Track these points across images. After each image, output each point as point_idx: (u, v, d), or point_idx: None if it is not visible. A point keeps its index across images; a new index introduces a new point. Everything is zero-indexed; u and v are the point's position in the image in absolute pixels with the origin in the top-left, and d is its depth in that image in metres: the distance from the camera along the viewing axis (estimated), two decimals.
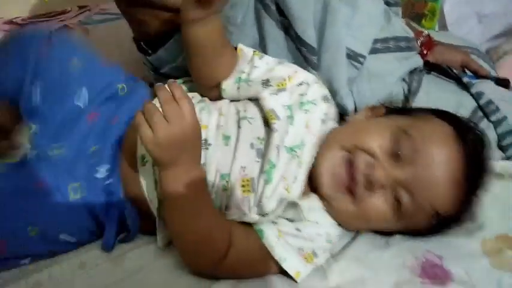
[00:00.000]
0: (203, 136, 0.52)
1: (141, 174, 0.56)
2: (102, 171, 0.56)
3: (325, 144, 0.56)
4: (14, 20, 1.10)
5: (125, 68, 0.98)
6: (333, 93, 0.64)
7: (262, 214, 0.53)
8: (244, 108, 0.58)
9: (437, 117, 0.56)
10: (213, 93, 0.61)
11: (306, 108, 0.57)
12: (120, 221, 0.56)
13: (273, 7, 0.64)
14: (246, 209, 0.53)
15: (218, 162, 0.54)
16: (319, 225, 0.54)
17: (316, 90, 0.60)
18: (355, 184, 0.52)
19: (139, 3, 0.68)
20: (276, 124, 0.54)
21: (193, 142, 0.49)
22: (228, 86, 0.59)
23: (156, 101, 0.48)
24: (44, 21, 1.09)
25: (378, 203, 0.52)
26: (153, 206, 0.55)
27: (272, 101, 0.55)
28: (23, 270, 0.53)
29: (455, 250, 0.54)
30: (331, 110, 0.62)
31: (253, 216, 0.53)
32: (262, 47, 0.66)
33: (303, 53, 0.64)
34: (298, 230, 0.53)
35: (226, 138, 0.55)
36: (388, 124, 0.55)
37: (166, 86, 0.49)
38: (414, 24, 0.95)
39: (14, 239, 0.52)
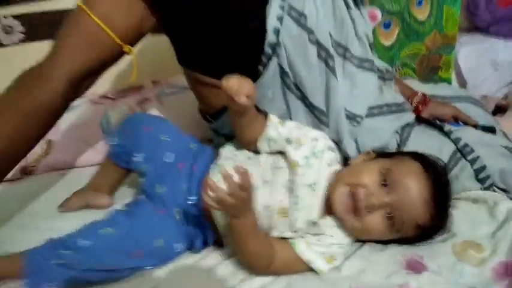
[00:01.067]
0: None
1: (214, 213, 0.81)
2: (191, 200, 0.84)
3: (334, 182, 0.79)
4: (105, 95, 1.42)
5: (191, 128, 1.26)
6: (339, 143, 0.88)
7: (294, 231, 0.78)
8: (276, 160, 0.83)
9: (410, 158, 0.79)
10: (252, 147, 0.84)
11: (318, 156, 0.81)
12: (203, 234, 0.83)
13: (292, 85, 0.89)
14: (283, 229, 0.78)
15: (261, 198, 0.77)
16: (333, 237, 0.77)
17: (322, 142, 0.83)
18: (358, 209, 0.73)
19: (205, 83, 0.95)
20: (298, 170, 0.79)
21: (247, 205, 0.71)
22: (262, 144, 0.83)
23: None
24: (129, 96, 1.40)
25: (376, 220, 0.74)
26: (220, 229, 0.82)
27: (294, 154, 0.80)
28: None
29: (432, 252, 0.76)
30: (335, 157, 0.85)
31: (288, 234, 0.78)
32: (288, 113, 0.91)
33: (316, 115, 0.89)
34: (319, 241, 0.76)
35: (265, 182, 0.80)
36: (376, 165, 0.78)
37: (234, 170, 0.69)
38: (409, 86, 1.17)
39: (147, 248, 0.77)
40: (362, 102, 0.91)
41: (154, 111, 1.30)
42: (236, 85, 0.71)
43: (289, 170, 0.80)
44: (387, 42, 1.49)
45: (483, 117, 1.11)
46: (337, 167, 0.84)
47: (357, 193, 0.74)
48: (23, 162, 1.12)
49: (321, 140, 0.84)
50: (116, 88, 1.47)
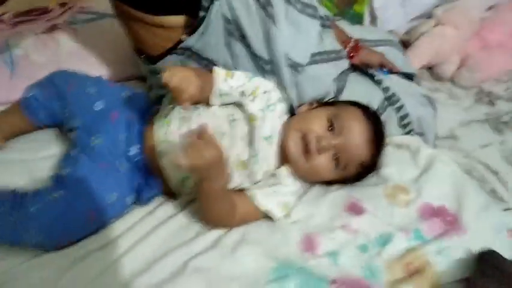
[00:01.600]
0: None
1: (161, 163, 0.81)
2: (132, 150, 0.81)
3: (285, 130, 0.84)
4: (1, 18, 1.20)
5: (114, 63, 1.15)
6: (282, 91, 0.90)
7: (254, 183, 0.81)
8: (232, 112, 0.83)
9: (352, 105, 0.87)
10: (203, 102, 0.83)
11: (271, 108, 0.84)
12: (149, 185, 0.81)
13: (236, 33, 0.86)
14: (241, 181, 0.81)
15: None
16: (288, 186, 0.82)
17: (274, 95, 0.86)
18: (310, 150, 0.80)
19: (140, 20, 0.86)
20: (256, 123, 0.80)
21: (217, 165, 0.71)
22: (214, 100, 0.83)
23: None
24: (32, 20, 1.19)
25: (324, 161, 0.81)
26: (173, 184, 0.81)
27: (251, 107, 0.82)
28: None
29: (369, 195, 0.85)
30: (285, 108, 0.89)
31: (246, 185, 0.81)
32: (232, 62, 0.89)
33: (260, 64, 0.89)
34: (275, 192, 0.81)
35: (222, 134, 0.80)
36: (323, 112, 0.85)
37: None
38: (343, 25, 1.22)
39: (99, 208, 0.74)
40: (304, 49, 0.91)
41: (66, 41, 1.15)
42: (178, 84, 0.69)
43: (246, 122, 0.82)
44: None
45: (402, 60, 1.20)
46: (286, 118, 0.87)
47: (308, 137, 0.81)
48: None
49: (273, 92, 0.86)
50: (12, 10, 1.25)
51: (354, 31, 1.17)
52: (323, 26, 0.96)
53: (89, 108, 0.84)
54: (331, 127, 0.82)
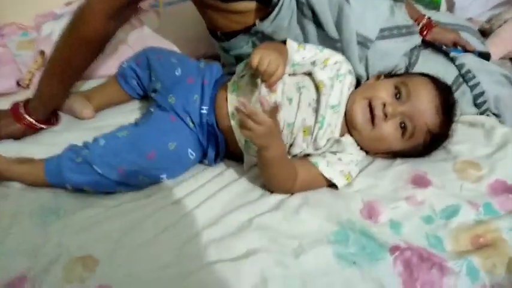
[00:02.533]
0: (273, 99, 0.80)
1: (232, 124, 0.85)
2: (204, 109, 0.86)
3: (352, 98, 0.85)
4: None
5: (193, 43, 1.23)
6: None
7: (317, 149, 0.83)
8: (302, 80, 0.85)
9: (420, 75, 0.86)
10: None
11: (340, 79, 0.85)
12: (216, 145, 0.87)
13: (309, 13, 0.89)
14: (305, 146, 0.83)
15: (284, 116, 0.81)
16: (352, 155, 0.83)
17: (345, 66, 0.86)
18: (375, 116, 0.80)
19: (214, 6, 0.93)
20: (324, 90, 0.82)
21: (276, 135, 0.74)
22: (286, 70, 0.84)
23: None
24: None
25: (390, 128, 0.81)
26: (240, 144, 0.85)
27: (320, 74, 0.83)
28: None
29: (436, 169, 0.83)
30: (354, 81, 0.89)
31: (309, 151, 0.83)
32: (304, 40, 0.91)
33: (332, 43, 0.90)
34: (339, 159, 0.82)
35: (290, 100, 0.83)
36: (390, 81, 0.85)
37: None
38: (419, 8, 1.20)
39: (160, 150, 0.81)
40: (374, 24, 0.91)
41: (151, 24, 1.25)
42: (268, 68, 0.72)
43: (315, 89, 0.84)
44: None
45: (478, 47, 1.14)
46: (354, 89, 0.89)
47: (374, 103, 0.81)
48: (17, 76, 1.09)
49: (344, 63, 0.87)
50: None
51: (428, 14, 1.14)
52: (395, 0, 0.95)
53: (170, 73, 0.93)
54: (398, 94, 0.82)
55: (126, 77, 1.02)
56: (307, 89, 0.84)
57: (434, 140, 0.84)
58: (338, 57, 0.87)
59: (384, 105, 0.81)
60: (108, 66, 1.13)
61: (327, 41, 0.91)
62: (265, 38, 0.94)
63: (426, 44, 1.03)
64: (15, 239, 0.71)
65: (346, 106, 0.85)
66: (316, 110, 0.83)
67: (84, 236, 0.71)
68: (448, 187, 0.80)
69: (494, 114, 0.99)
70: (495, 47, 1.43)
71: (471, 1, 1.68)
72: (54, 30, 1.20)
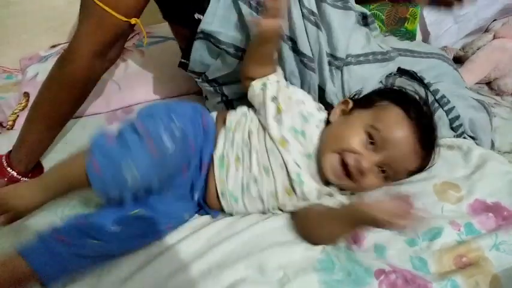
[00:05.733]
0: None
1: (222, 203, 0.82)
2: (196, 195, 0.83)
3: (320, 150, 0.79)
4: None
5: (176, 80, 1.25)
6: (323, 90, 0.94)
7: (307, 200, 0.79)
8: (266, 141, 0.80)
9: (391, 102, 0.80)
10: (246, 84, 0.85)
11: (307, 119, 0.82)
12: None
13: (286, 36, 0.91)
14: (295, 203, 0.80)
15: (267, 187, 0.79)
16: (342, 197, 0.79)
17: (308, 105, 0.84)
18: (352, 173, 0.75)
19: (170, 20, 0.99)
20: (288, 147, 0.79)
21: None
22: (256, 84, 0.83)
23: None
24: None
25: (371, 179, 0.77)
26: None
27: (277, 131, 0.80)
28: None
29: (416, 192, 0.84)
30: (323, 117, 0.85)
31: (301, 204, 0.79)
32: (280, 62, 0.92)
33: (305, 62, 0.92)
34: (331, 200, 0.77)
35: (266, 169, 0.80)
36: (359, 123, 0.78)
37: None
38: (393, 40, 1.24)
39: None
40: (341, 42, 0.94)
41: (134, 63, 1.28)
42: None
43: (279, 149, 0.80)
44: None
45: (451, 74, 1.18)
46: (322, 126, 0.84)
47: (347, 159, 0.75)
48: (1, 118, 1.10)
49: (307, 101, 0.86)
50: None
51: (402, 45, 1.19)
52: (367, 24, 0.99)
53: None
54: (371, 140, 0.76)
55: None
56: (274, 150, 0.80)
57: (417, 172, 0.83)
58: (300, 95, 0.87)
59: (357, 159, 0.75)
60: (94, 105, 1.15)
61: (300, 62, 0.93)
62: (215, 40, 0.92)
63: (401, 71, 1.07)
64: None
65: (318, 154, 0.80)
66: (288, 169, 0.79)
67: None
68: (429, 208, 0.81)
69: (470, 137, 1.02)
70: (471, 72, 1.49)
71: (445, 30, 1.76)
72: (39, 72, 1.23)
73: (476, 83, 1.52)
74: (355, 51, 0.96)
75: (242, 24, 0.91)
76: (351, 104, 0.85)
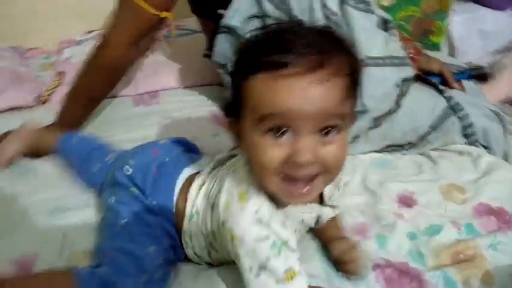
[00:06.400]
0: None
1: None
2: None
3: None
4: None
5: (200, 73, 1.31)
6: None
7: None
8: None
9: (249, 75, 0.52)
10: None
11: None
12: None
13: None
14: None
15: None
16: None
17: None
18: (292, 178, 0.54)
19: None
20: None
21: None
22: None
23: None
24: None
25: (329, 153, 0.53)
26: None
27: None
28: None
29: (422, 190, 0.87)
30: None
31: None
32: None
33: None
34: None
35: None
36: (251, 133, 0.54)
37: None
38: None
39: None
40: (360, 43, 0.96)
41: (162, 52, 1.35)
42: None
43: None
44: (386, 3, 1.59)
45: (467, 84, 1.17)
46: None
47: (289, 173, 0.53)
48: (37, 92, 1.18)
49: None
50: None
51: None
52: (386, 29, 1.02)
53: None
54: (277, 133, 0.51)
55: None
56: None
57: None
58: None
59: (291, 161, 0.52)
60: (124, 88, 1.22)
61: None
62: (236, 34, 0.97)
63: (418, 77, 1.10)
64: None
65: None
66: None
67: None
68: (433, 207, 0.83)
69: (483, 146, 1.03)
70: (494, 90, 1.48)
71: (470, 46, 1.77)
72: (74, 54, 1.31)
73: (500, 101, 1.52)
74: (373, 53, 0.99)
75: (263, 19, 0.96)
76: (232, 122, 0.59)
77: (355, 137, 1.01)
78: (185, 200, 0.71)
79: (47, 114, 1.06)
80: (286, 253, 0.56)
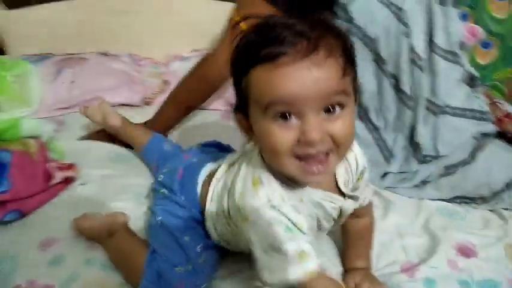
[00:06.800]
0: None
1: None
2: None
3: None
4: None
5: None
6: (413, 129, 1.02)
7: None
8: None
9: (250, 69, 0.56)
10: None
11: None
12: None
13: (387, 72, 1.02)
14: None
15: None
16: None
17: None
18: (307, 156, 0.57)
19: None
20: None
21: None
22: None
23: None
24: None
25: (337, 127, 0.56)
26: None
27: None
28: None
29: (485, 244, 0.87)
30: None
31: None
32: (378, 95, 1.04)
33: (404, 99, 1.02)
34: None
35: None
36: (261, 122, 0.57)
37: None
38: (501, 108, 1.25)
39: None
40: (442, 91, 1.01)
41: None
42: None
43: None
44: (483, 62, 1.56)
45: None
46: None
47: (299, 153, 0.56)
48: (144, 94, 1.36)
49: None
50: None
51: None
52: (472, 86, 1.04)
53: None
54: (284, 119, 0.55)
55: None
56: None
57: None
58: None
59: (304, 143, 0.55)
60: (216, 101, 1.35)
61: (399, 99, 1.02)
62: None
63: (501, 135, 1.09)
64: None
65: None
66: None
67: None
68: (492, 263, 0.82)
69: None
70: None
71: None
72: (180, 68, 1.48)
73: None
74: (453, 103, 1.02)
75: None
76: (240, 117, 0.63)
77: (424, 182, 1.04)
78: (208, 190, 0.77)
79: (149, 114, 1.21)
80: (297, 235, 0.58)
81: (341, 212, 0.69)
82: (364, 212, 0.78)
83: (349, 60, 0.55)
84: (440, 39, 1.02)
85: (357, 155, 0.69)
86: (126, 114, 1.19)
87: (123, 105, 1.33)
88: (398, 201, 1.01)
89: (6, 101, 1.20)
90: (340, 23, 1.02)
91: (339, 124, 0.55)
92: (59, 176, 0.95)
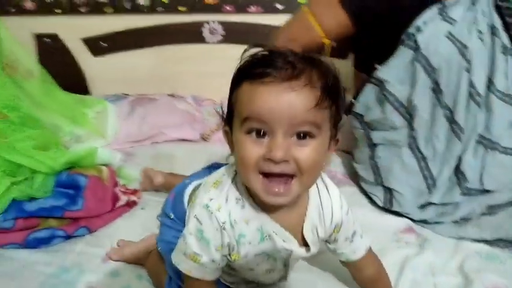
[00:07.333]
0: None
1: None
2: None
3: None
4: None
5: None
6: (460, 160, 1.04)
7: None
8: None
9: (238, 84, 0.61)
10: None
11: None
12: None
13: (444, 103, 1.05)
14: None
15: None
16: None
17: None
18: (269, 172, 0.60)
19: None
20: None
21: None
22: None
23: None
24: None
25: (303, 154, 0.59)
26: None
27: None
28: None
29: None
30: None
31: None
32: (431, 124, 1.07)
33: (455, 130, 1.04)
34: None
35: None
36: (238, 135, 0.61)
37: None
38: None
39: None
40: (495, 130, 1.02)
41: None
42: None
43: None
44: None
45: None
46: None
47: (264, 169, 0.59)
48: (202, 131, 1.51)
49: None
50: None
51: None
52: None
53: None
54: (258, 136, 0.58)
55: None
56: None
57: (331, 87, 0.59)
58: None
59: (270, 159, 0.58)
60: None
61: (451, 129, 1.04)
62: (384, 89, 1.09)
63: None
64: None
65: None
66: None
67: None
68: None
69: None
70: None
71: None
72: None
73: None
74: (504, 143, 1.02)
75: (412, 82, 1.07)
76: (227, 129, 0.66)
77: (465, 219, 1.03)
78: None
79: (205, 149, 1.35)
80: (202, 244, 0.64)
81: (291, 255, 0.70)
82: (364, 263, 0.78)
83: (329, 97, 0.58)
84: (499, 82, 1.04)
85: (333, 206, 0.70)
86: (186, 149, 1.33)
87: (183, 140, 1.48)
88: (435, 240, 1.01)
89: (86, 133, 1.39)
90: (406, 50, 1.08)
91: (305, 151, 0.58)
92: (124, 199, 1.10)
